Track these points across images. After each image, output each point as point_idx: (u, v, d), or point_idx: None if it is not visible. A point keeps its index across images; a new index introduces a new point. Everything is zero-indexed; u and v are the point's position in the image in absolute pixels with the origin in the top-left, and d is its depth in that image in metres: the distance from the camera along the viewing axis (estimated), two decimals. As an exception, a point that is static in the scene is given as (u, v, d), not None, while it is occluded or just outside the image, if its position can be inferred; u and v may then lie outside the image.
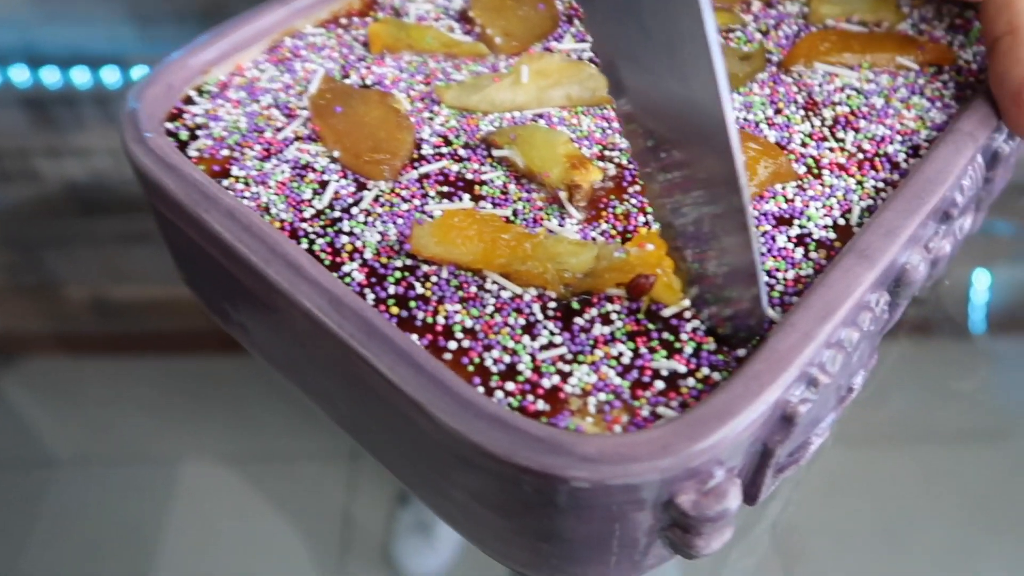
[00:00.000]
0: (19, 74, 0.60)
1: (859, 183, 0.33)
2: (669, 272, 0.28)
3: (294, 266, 0.28)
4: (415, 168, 0.35)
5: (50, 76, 0.60)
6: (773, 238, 0.31)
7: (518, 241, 0.29)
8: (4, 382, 0.42)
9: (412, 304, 0.29)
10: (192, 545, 0.35)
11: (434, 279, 0.30)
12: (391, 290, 0.30)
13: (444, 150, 0.36)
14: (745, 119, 0.36)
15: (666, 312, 0.28)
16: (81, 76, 0.59)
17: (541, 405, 0.26)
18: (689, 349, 0.28)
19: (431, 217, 0.32)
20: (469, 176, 0.34)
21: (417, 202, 0.33)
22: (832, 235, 0.31)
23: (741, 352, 0.27)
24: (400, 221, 0.32)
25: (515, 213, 0.33)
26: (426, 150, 0.36)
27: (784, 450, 0.27)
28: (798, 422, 0.26)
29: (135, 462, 0.38)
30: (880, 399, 0.40)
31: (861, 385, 0.30)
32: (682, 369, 0.27)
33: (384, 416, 0.28)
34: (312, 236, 0.32)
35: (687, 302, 0.28)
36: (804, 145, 0.35)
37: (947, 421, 0.39)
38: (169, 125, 0.36)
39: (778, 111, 0.37)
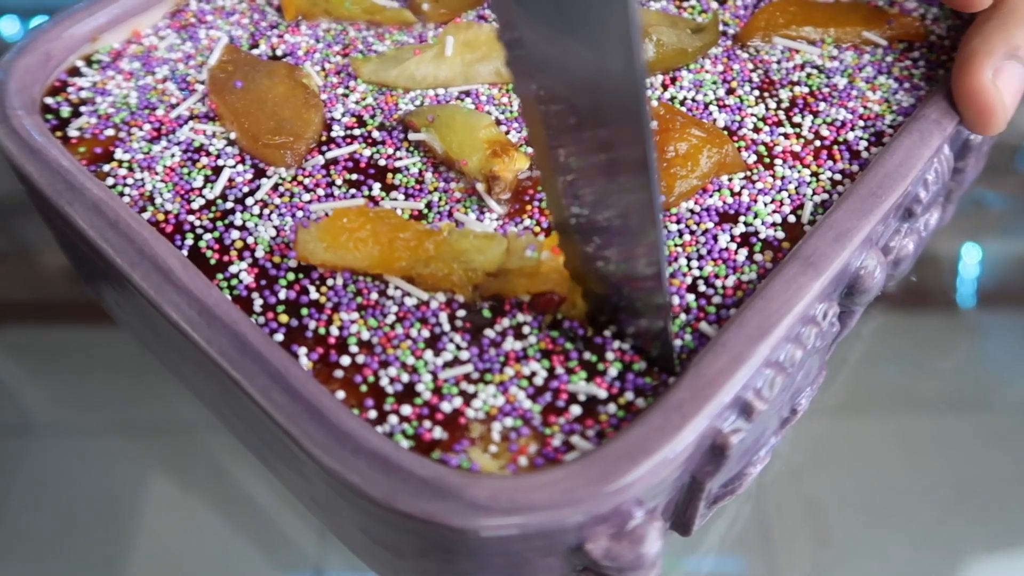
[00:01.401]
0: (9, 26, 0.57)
1: (814, 175, 0.30)
2: (579, 296, 0.25)
3: (163, 270, 0.25)
4: (322, 153, 0.31)
5: (9, 27, 0.57)
6: (715, 238, 0.28)
7: (419, 240, 0.26)
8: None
9: (304, 311, 0.26)
10: (170, 514, 0.34)
11: (331, 282, 0.27)
12: (282, 295, 0.26)
13: (357, 132, 0.32)
14: (693, 100, 0.33)
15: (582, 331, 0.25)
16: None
17: (438, 433, 0.23)
18: (614, 371, 0.24)
19: (308, 215, 0.28)
20: (382, 163, 0.31)
21: (321, 192, 0.30)
22: (780, 234, 0.28)
23: (671, 377, 0.24)
24: (300, 214, 0.29)
25: (429, 206, 0.29)
26: (337, 132, 0.32)
27: (716, 482, 0.24)
28: (730, 454, 0.23)
29: (113, 430, 0.37)
30: (865, 370, 0.39)
31: (807, 405, 0.26)
32: (602, 394, 0.24)
33: (267, 439, 0.25)
34: (199, 230, 0.28)
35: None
36: (756, 130, 0.32)
37: (931, 392, 0.39)
38: (49, 100, 0.32)
39: (730, 91, 0.33)
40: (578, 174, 0.22)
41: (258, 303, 0.26)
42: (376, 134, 0.32)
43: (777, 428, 0.26)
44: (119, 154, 0.31)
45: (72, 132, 0.31)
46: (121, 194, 0.29)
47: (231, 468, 0.35)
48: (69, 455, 0.36)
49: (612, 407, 0.24)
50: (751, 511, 0.34)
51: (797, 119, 0.32)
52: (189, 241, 0.28)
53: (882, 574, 0.34)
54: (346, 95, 0.33)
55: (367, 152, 0.31)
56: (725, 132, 0.32)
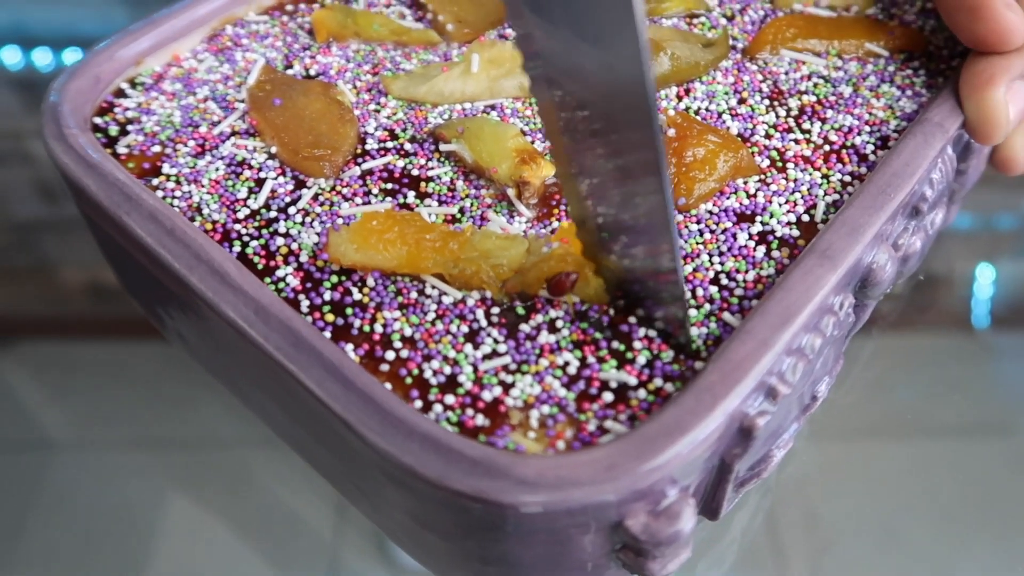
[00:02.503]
0: (11, 56, 0.59)
1: (825, 177, 0.32)
2: (591, 271, 0.27)
3: (219, 273, 0.26)
4: (358, 164, 0.33)
5: (42, 58, 0.59)
6: (734, 236, 0.30)
7: (444, 241, 0.27)
8: (0, 365, 0.41)
9: (349, 311, 0.28)
10: (189, 529, 0.35)
11: (372, 283, 0.28)
12: (327, 296, 0.28)
13: (390, 145, 0.34)
14: (707, 109, 0.35)
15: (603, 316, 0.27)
16: (73, 57, 0.59)
17: (481, 420, 0.25)
18: (642, 359, 0.26)
19: (347, 222, 0.30)
20: (415, 172, 0.32)
21: (359, 200, 0.31)
22: (796, 232, 0.30)
23: (698, 364, 0.26)
24: (340, 221, 0.30)
25: (461, 211, 0.31)
26: (371, 145, 0.34)
27: (744, 464, 0.25)
28: (757, 435, 0.24)
29: (132, 446, 0.37)
30: (880, 392, 0.39)
31: (826, 392, 0.28)
32: (632, 381, 0.25)
33: (318, 430, 0.26)
34: (246, 238, 0.30)
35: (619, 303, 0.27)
36: (768, 137, 0.33)
37: (947, 415, 0.39)
38: (98, 120, 0.34)
39: (742, 101, 0.35)
40: (599, 178, 0.24)
41: (305, 304, 0.28)
42: (408, 146, 0.33)
43: (798, 414, 0.27)
44: (166, 168, 0.32)
45: (121, 149, 0.33)
46: (171, 205, 0.31)
47: (249, 484, 0.36)
48: (88, 471, 0.36)
49: (642, 392, 0.25)
50: (764, 532, 0.35)
51: (806, 125, 0.34)
52: (237, 248, 0.30)
53: None
54: (378, 111, 0.35)
55: (400, 163, 0.33)
56: (739, 139, 0.33)
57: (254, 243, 0.30)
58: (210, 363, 0.33)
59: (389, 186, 0.32)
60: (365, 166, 0.32)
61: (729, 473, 0.25)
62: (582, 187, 0.25)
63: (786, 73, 0.36)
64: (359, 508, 0.30)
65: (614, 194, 0.24)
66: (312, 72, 0.37)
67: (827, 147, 0.33)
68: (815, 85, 0.36)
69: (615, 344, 0.26)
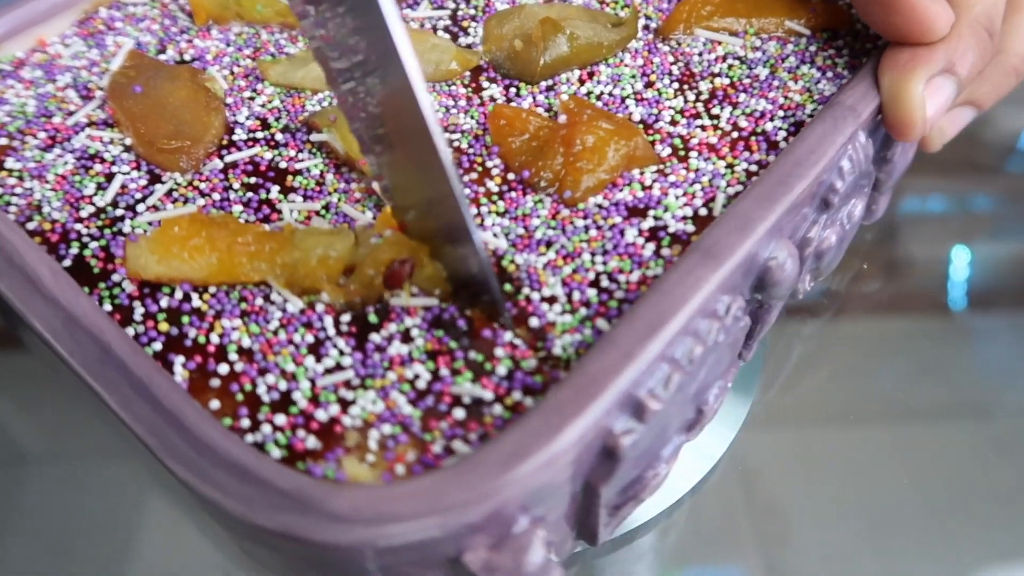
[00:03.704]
0: None
1: (729, 166, 0.29)
2: (426, 255, 0.25)
3: (31, 280, 0.24)
4: (221, 157, 0.30)
5: None
6: (621, 232, 0.27)
7: (259, 244, 0.24)
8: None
9: (185, 319, 0.25)
10: (166, 539, 0.34)
11: (214, 289, 0.25)
12: (164, 303, 0.25)
13: (260, 135, 0.31)
14: (610, 94, 0.32)
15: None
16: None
17: (312, 442, 0.22)
18: (502, 369, 0.23)
19: (144, 232, 0.27)
20: (283, 165, 0.30)
21: (217, 196, 0.29)
22: (691, 228, 0.27)
23: (563, 375, 0.23)
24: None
25: (327, 207, 0.28)
26: (239, 135, 0.31)
27: (612, 488, 0.22)
28: (622, 456, 0.21)
29: (108, 458, 0.36)
30: (857, 376, 0.39)
31: (716, 403, 0.25)
32: (488, 395, 0.22)
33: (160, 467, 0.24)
34: (86, 239, 0.27)
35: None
36: (673, 123, 0.31)
37: (925, 399, 0.38)
38: (-55, 110, 0.31)
39: (649, 84, 0.32)
40: (398, 179, 0.25)
41: (139, 312, 0.25)
42: (279, 136, 0.31)
43: (680, 428, 0.25)
44: (10, 163, 0.29)
45: (-36, 142, 0.30)
46: (8, 204, 0.28)
47: None
48: (63, 483, 0.35)
49: (498, 408, 0.22)
50: (740, 519, 0.34)
51: (716, 111, 0.31)
52: (74, 250, 0.27)
53: None
54: (252, 98, 0.32)
55: (268, 155, 0.30)
56: (641, 126, 0.31)
57: (94, 244, 0.27)
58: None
59: (252, 180, 0.29)
60: (228, 158, 0.30)
61: (597, 497, 0.22)
62: (385, 184, 0.25)
63: (700, 55, 0.34)
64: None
65: (414, 196, 0.24)
66: (187, 57, 0.34)
67: (735, 134, 0.30)
68: (730, 67, 0.33)
69: (473, 354, 0.23)
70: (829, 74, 0.32)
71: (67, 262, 0.27)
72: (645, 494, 0.24)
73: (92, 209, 0.28)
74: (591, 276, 0.25)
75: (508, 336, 0.24)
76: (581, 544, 0.26)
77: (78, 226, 0.28)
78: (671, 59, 0.33)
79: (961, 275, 0.43)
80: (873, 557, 0.33)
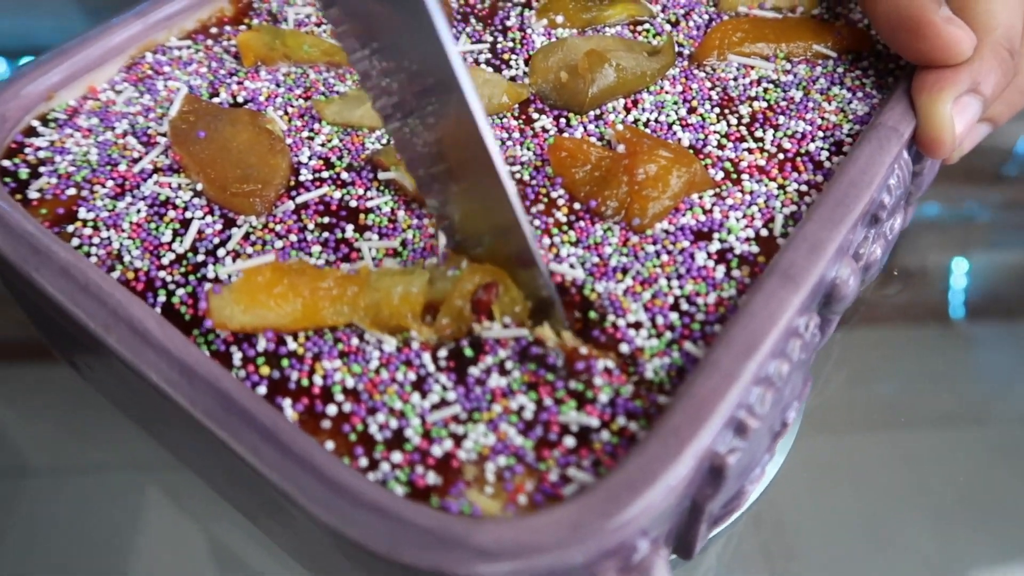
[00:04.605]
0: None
1: (781, 187, 0.31)
2: (507, 280, 0.26)
3: (139, 331, 0.24)
4: (291, 198, 0.31)
5: None
6: (692, 256, 0.28)
7: (340, 288, 0.25)
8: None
9: (284, 362, 0.25)
10: (165, 553, 0.34)
11: (309, 331, 0.26)
12: (261, 346, 0.26)
13: (325, 175, 0.32)
14: (657, 121, 0.33)
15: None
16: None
17: (432, 478, 0.23)
18: (604, 397, 0.24)
19: (223, 282, 0.28)
20: (353, 204, 0.31)
21: (294, 237, 0.29)
22: (755, 249, 0.28)
23: (661, 398, 0.24)
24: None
25: (404, 244, 0.29)
26: (304, 176, 0.31)
27: (716, 504, 0.24)
28: (728, 474, 0.23)
29: (107, 470, 0.37)
30: (859, 385, 0.39)
31: (795, 415, 0.27)
32: (594, 422, 0.24)
33: (259, 497, 0.24)
34: (171, 286, 0.28)
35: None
36: (721, 147, 0.32)
37: (926, 407, 0.39)
38: (6, 163, 0.31)
39: (691, 110, 0.34)
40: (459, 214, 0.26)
41: (237, 357, 0.26)
42: (345, 175, 0.31)
43: (769, 443, 0.26)
44: (83, 213, 0.30)
45: (32, 194, 0.30)
46: (88, 255, 0.29)
47: (225, 504, 0.35)
48: (64, 496, 0.35)
49: (605, 434, 0.23)
50: (750, 528, 0.35)
51: (759, 133, 0.33)
52: (162, 298, 0.27)
53: None
54: (311, 138, 0.33)
55: (337, 194, 0.31)
56: (691, 151, 0.32)
57: (180, 291, 0.28)
58: (146, 425, 0.31)
59: (326, 220, 0.30)
60: (299, 199, 0.30)
61: (701, 515, 0.24)
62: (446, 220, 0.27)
63: (735, 79, 0.35)
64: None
65: (477, 228, 0.26)
66: (240, 99, 0.35)
67: (781, 155, 0.32)
68: (765, 90, 0.35)
69: (572, 383, 0.25)
70: (859, 94, 0.34)
71: (156, 311, 0.27)
72: (740, 508, 0.26)
73: (172, 256, 0.29)
74: (670, 300, 0.27)
75: (601, 364, 0.25)
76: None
77: (162, 274, 0.28)
78: (708, 84, 0.35)
79: (960, 284, 0.44)
80: (875, 562, 0.34)
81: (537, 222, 0.29)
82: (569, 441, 0.23)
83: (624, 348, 0.25)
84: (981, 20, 0.31)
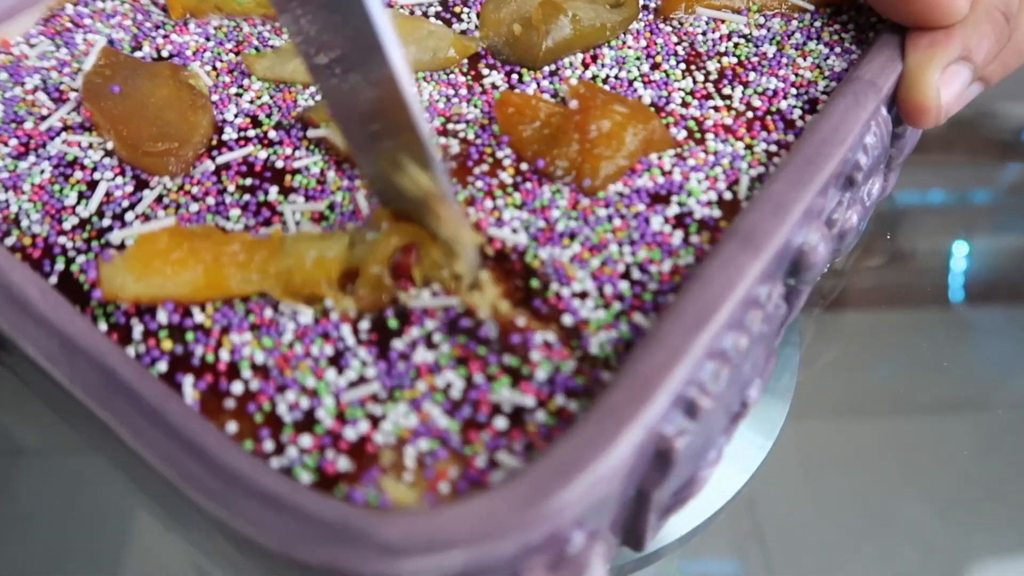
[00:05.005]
0: None
1: (748, 147, 0.28)
2: (429, 240, 0.23)
3: (19, 301, 0.22)
4: (212, 158, 0.28)
5: None
6: (647, 220, 0.26)
7: (248, 253, 0.23)
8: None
9: (190, 336, 0.23)
10: (159, 533, 0.34)
11: (217, 302, 0.24)
12: (163, 319, 0.23)
13: (251, 133, 0.29)
14: (616, 77, 0.31)
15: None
16: None
17: (343, 464, 0.20)
18: (542, 374, 0.22)
19: (118, 249, 0.25)
20: (279, 164, 0.28)
21: (212, 200, 0.27)
22: (717, 213, 0.26)
23: (605, 375, 0.22)
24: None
25: (331, 207, 0.26)
26: (229, 135, 0.29)
27: (664, 492, 0.21)
28: (676, 459, 0.20)
29: (100, 450, 0.35)
30: (855, 369, 0.38)
31: (758, 396, 0.24)
32: (529, 401, 0.21)
33: (155, 484, 0.22)
34: (72, 253, 0.25)
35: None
36: (685, 105, 0.30)
37: (923, 392, 0.38)
38: (-98, 120, 0.29)
39: (655, 66, 0.31)
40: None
41: (138, 330, 0.23)
42: (273, 134, 0.29)
43: (727, 425, 0.24)
44: (-21, 174, 0.27)
45: (-75, 154, 0.28)
46: (-19, 218, 0.26)
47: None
48: (56, 475, 0.35)
49: (541, 415, 0.21)
50: (746, 514, 0.33)
51: (727, 91, 0.30)
52: (60, 266, 0.25)
53: (876, 574, 0.33)
54: (240, 95, 0.30)
55: (263, 154, 0.28)
56: (652, 108, 0.29)
57: (81, 258, 0.25)
58: (51, 403, 0.28)
59: (248, 181, 0.27)
60: (220, 159, 0.28)
61: (648, 503, 0.21)
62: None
63: (703, 33, 0.32)
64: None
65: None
66: (164, 54, 0.32)
67: (750, 114, 0.29)
68: (735, 45, 0.32)
69: (507, 359, 0.22)
70: (837, 49, 0.32)
71: (53, 279, 0.24)
72: (694, 496, 0.23)
73: (76, 220, 0.26)
74: (621, 268, 0.24)
75: (539, 337, 0.22)
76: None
77: (62, 239, 0.25)
78: (675, 39, 0.32)
79: (960, 268, 0.43)
80: (870, 549, 0.33)
81: (480, 183, 0.27)
82: (500, 423, 0.21)
83: (567, 320, 0.23)
84: None
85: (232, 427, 0.21)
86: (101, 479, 0.34)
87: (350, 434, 0.21)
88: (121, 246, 0.25)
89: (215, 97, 0.30)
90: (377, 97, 0.21)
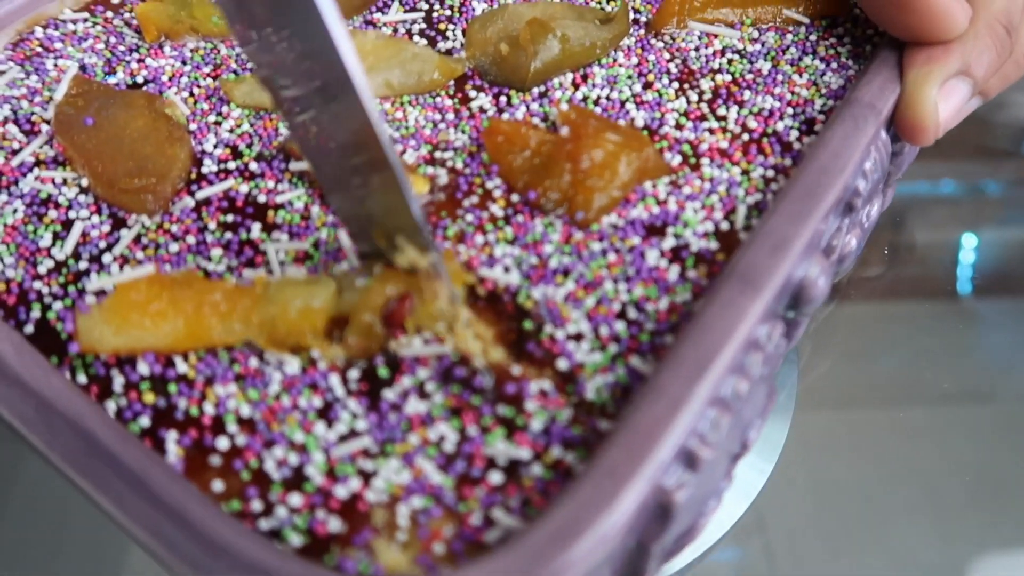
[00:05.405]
0: None
1: (745, 173, 0.27)
2: (426, 290, 0.23)
3: (-9, 358, 0.21)
4: (191, 193, 0.27)
5: None
6: (642, 254, 0.25)
7: (230, 302, 0.22)
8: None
9: (172, 388, 0.22)
10: None
11: (200, 351, 0.23)
12: (144, 370, 0.22)
13: (232, 165, 0.28)
14: (608, 98, 0.30)
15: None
16: None
17: (335, 525, 0.19)
18: (537, 424, 0.21)
19: (102, 297, 0.24)
20: (262, 198, 0.27)
21: (192, 239, 0.26)
22: (714, 245, 0.25)
23: (603, 423, 0.21)
24: (169, 268, 0.25)
25: (316, 245, 0.25)
26: (208, 167, 0.28)
27: (665, 542, 0.21)
28: (676, 512, 0.20)
29: None
30: (862, 361, 0.38)
31: (757, 437, 0.24)
32: (525, 454, 0.20)
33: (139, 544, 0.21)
34: (48, 299, 0.24)
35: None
36: (679, 127, 0.29)
37: (930, 383, 0.38)
38: None
39: (647, 85, 0.30)
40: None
41: (119, 382, 0.22)
42: (254, 166, 0.28)
43: (726, 471, 0.23)
44: (-51, 215, 0.26)
45: None
46: (-49, 263, 0.25)
47: None
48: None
49: (537, 468, 0.20)
50: (749, 503, 0.33)
51: (721, 111, 0.29)
52: (36, 313, 0.24)
53: (884, 567, 0.32)
54: (219, 123, 0.29)
55: (244, 188, 0.27)
56: (645, 132, 0.29)
57: (58, 305, 0.24)
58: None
59: (230, 218, 0.26)
60: (200, 195, 0.27)
61: (648, 554, 0.21)
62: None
63: (696, 49, 0.32)
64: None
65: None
66: (140, 79, 0.31)
67: (746, 136, 0.28)
68: (729, 62, 0.31)
69: (501, 409, 0.21)
70: (834, 64, 0.31)
71: (29, 328, 0.24)
72: (693, 540, 0.23)
73: (51, 263, 0.25)
74: (616, 307, 0.24)
75: (535, 387, 0.22)
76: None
77: (37, 284, 0.25)
78: (667, 56, 0.31)
79: (968, 259, 0.43)
80: (874, 539, 0.33)
81: (470, 216, 0.26)
82: (495, 477, 0.20)
83: (562, 364, 0.22)
84: None
85: (218, 486, 0.20)
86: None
87: (341, 492, 0.20)
88: (100, 292, 0.24)
89: (193, 126, 0.29)
90: (348, 134, 0.20)
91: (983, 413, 0.37)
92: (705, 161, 0.28)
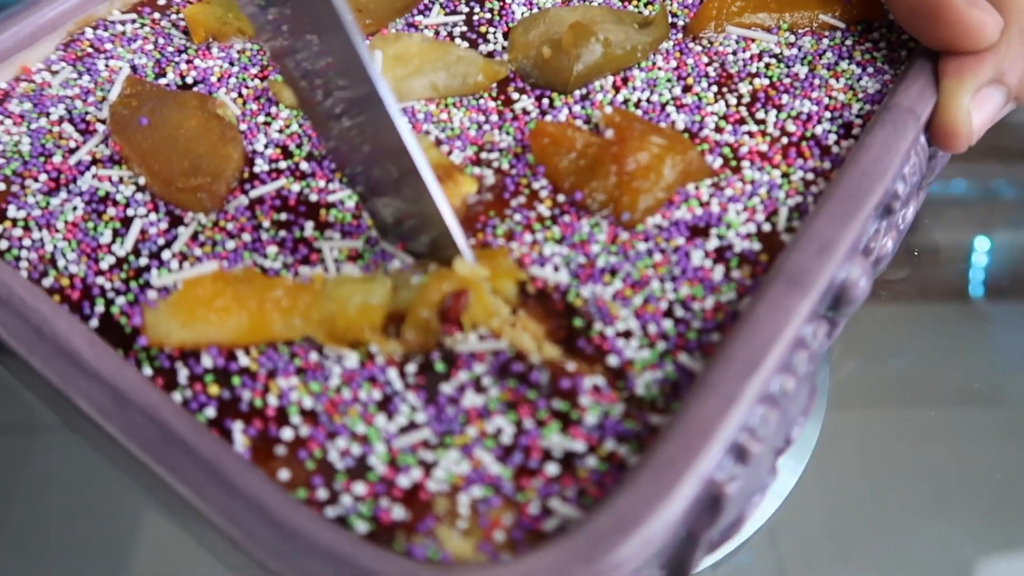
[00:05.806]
0: None
1: (785, 175, 0.28)
2: (481, 286, 0.23)
3: (67, 352, 0.22)
4: (245, 192, 0.28)
5: None
6: (687, 255, 0.26)
7: (291, 298, 0.23)
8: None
9: (236, 381, 0.23)
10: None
11: (261, 345, 0.23)
12: (208, 363, 0.23)
13: (283, 164, 0.29)
14: (648, 101, 0.30)
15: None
16: None
17: (398, 512, 0.20)
18: (591, 418, 0.22)
19: (165, 292, 0.25)
20: (313, 198, 0.28)
21: (247, 237, 0.26)
22: (756, 246, 0.26)
23: (654, 418, 0.22)
24: (226, 264, 0.26)
25: (368, 242, 0.26)
26: (260, 166, 0.29)
27: (712, 533, 0.22)
28: (727, 504, 0.20)
29: None
30: (875, 362, 0.39)
31: (799, 434, 0.24)
32: (580, 447, 0.21)
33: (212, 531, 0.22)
34: (111, 294, 0.25)
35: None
36: (719, 130, 0.29)
37: (942, 385, 0.39)
38: (-72, 154, 0.28)
39: (687, 89, 0.31)
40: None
41: (183, 374, 0.23)
42: (304, 165, 0.29)
43: (772, 466, 0.24)
44: (12, 212, 0.27)
45: (-44, 190, 0.27)
46: (17, 259, 0.26)
47: None
48: (75, 452, 0.35)
49: (592, 460, 0.21)
50: (781, 501, 0.33)
51: (760, 115, 0.30)
52: (100, 308, 0.25)
53: (898, 568, 0.33)
54: (268, 123, 0.30)
55: (296, 187, 0.28)
56: (686, 135, 0.29)
57: (120, 300, 0.25)
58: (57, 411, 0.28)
59: (283, 216, 0.27)
60: (253, 194, 0.28)
61: (697, 544, 0.21)
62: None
63: (734, 53, 0.32)
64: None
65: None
66: (189, 80, 0.31)
67: (785, 139, 0.29)
68: (767, 66, 0.32)
69: (556, 403, 0.22)
70: (870, 69, 0.31)
71: (94, 322, 0.24)
72: (739, 531, 0.23)
73: (112, 259, 0.26)
74: (664, 306, 0.24)
75: (588, 382, 0.22)
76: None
77: (100, 280, 0.25)
78: (705, 59, 0.32)
79: (981, 262, 0.43)
80: (881, 539, 0.33)
81: (518, 216, 0.27)
82: (551, 468, 0.21)
83: (612, 361, 0.23)
84: (1009, 1, 0.28)
85: (284, 475, 0.21)
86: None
87: (403, 481, 0.21)
88: (162, 288, 0.25)
89: (243, 126, 0.30)
90: (375, 143, 0.22)
91: (996, 415, 0.38)
92: (746, 164, 0.28)
